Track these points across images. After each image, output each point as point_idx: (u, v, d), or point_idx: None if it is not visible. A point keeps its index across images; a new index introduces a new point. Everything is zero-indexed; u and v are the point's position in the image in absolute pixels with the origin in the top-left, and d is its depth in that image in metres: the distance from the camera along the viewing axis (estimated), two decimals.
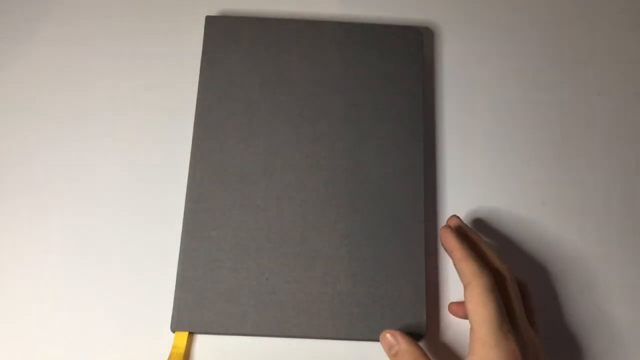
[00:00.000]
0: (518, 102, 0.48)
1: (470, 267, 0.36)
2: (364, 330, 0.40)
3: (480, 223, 0.45)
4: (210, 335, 0.41)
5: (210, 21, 0.47)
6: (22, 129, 0.46)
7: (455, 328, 0.42)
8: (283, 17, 0.49)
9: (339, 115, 0.45)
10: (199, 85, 0.46)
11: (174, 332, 0.40)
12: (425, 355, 0.37)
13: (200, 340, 0.41)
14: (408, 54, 0.47)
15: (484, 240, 0.40)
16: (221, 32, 0.47)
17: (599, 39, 0.50)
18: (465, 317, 0.40)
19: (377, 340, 0.40)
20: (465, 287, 0.36)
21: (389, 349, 0.38)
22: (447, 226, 0.40)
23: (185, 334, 0.40)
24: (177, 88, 0.47)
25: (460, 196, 0.45)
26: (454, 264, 0.38)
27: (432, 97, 0.48)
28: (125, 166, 0.45)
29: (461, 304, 0.41)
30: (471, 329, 0.35)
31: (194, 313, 0.40)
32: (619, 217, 0.45)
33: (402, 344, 0.37)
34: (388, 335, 0.38)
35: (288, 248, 0.42)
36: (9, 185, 0.45)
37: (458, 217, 0.41)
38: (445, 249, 0.40)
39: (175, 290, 0.41)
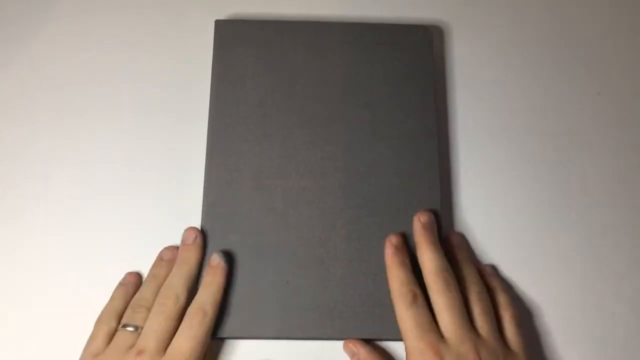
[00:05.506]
0: (525, 101, 0.48)
1: (394, 278, 0.39)
2: (388, 330, 0.40)
3: (489, 221, 0.45)
4: (233, 340, 0.41)
5: (220, 25, 0.47)
6: (23, 133, 0.46)
7: None
8: (292, 19, 0.49)
9: (352, 116, 0.45)
10: (211, 90, 0.45)
11: None
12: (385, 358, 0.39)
13: (224, 345, 0.41)
14: (418, 53, 0.47)
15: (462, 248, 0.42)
16: (231, 36, 0.47)
17: (599, 39, 0.51)
18: None
19: (401, 339, 0.40)
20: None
21: (352, 356, 0.40)
22: (389, 240, 0.41)
23: None
24: (188, 94, 0.47)
25: (477, 193, 0.46)
26: None
27: (443, 96, 0.48)
28: (139, 174, 0.45)
29: None
30: None
31: (217, 319, 0.39)
32: (619, 216, 0.45)
33: (362, 352, 0.39)
34: (350, 344, 0.40)
35: (307, 250, 0.42)
36: (7, 187, 0.44)
37: (429, 213, 0.42)
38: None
39: None
